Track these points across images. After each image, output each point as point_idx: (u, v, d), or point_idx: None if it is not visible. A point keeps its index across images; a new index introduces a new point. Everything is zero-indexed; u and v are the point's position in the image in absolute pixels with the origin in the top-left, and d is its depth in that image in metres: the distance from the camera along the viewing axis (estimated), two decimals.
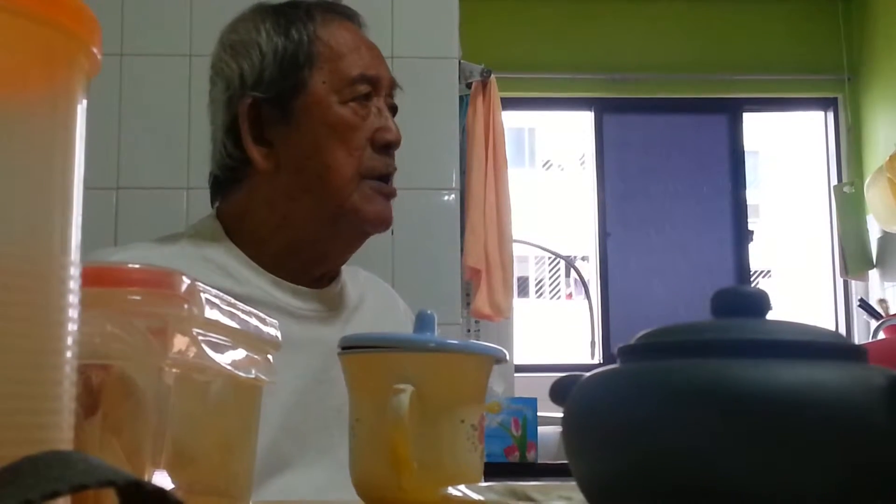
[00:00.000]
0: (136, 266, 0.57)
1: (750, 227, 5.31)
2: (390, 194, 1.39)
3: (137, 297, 0.55)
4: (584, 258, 5.79)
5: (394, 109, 1.43)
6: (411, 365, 0.88)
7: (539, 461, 2.95)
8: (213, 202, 1.44)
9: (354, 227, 1.38)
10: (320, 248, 1.39)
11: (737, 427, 0.55)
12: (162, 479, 0.55)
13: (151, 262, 0.83)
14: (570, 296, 11.61)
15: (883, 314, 4.29)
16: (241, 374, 0.66)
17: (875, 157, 4.93)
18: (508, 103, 3.98)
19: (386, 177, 1.39)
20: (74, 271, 0.41)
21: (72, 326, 0.40)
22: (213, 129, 1.41)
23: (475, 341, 0.97)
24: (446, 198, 2.58)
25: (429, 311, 0.94)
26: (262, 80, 1.35)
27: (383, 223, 1.39)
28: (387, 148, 1.38)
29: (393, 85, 1.44)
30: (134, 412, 0.55)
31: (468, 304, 3.28)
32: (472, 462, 0.91)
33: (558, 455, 3.09)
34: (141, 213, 2.49)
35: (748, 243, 5.27)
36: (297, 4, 1.41)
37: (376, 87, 1.39)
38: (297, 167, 1.35)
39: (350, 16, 1.45)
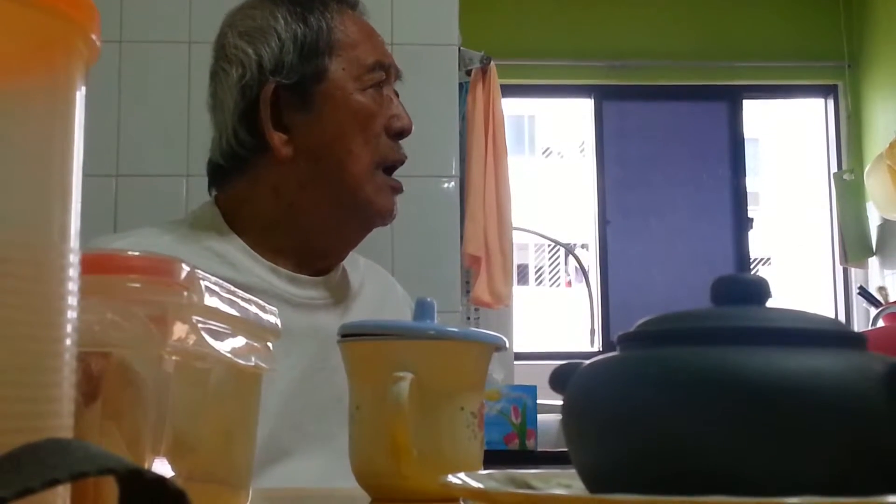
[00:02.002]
0: (136, 254, 0.57)
1: (750, 214, 5.32)
2: (398, 189, 1.41)
3: (137, 285, 0.55)
4: (583, 246, 5.79)
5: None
6: (411, 353, 0.88)
7: (539, 449, 2.95)
8: (210, 190, 1.44)
9: (363, 218, 1.40)
10: (324, 238, 1.39)
11: (736, 414, 0.55)
12: (162, 467, 0.55)
13: (150, 250, 0.83)
14: (569, 283, 11.62)
15: (882, 302, 4.30)
16: (240, 361, 0.66)
17: (875, 144, 4.93)
18: (508, 90, 3.98)
19: (394, 168, 1.40)
20: (74, 259, 0.41)
21: (71, 314, 0.40)
22: (219, 117, 1.39)
23: (475, 329, 0.97)
24: (446, 185, 2.59)
25: (428, 299, 0.94)
26: (282, 67, 1.35)
27: (389, 216, 1.40)
28: (400, 135, 1.40)
29: (399, 75, 1.46)
30: (134, 400, 0.55)
31: (468, 291, 3.28)
32: (471, 450, 0.91)
33: (558, 443, 3.10)
34: (140, 200, 2.49)
35: (748, 231, 5.27)
36: None
37: (388, 75, 1.41)
38: (315, 155, 1.35)
39: (354, 5, 1.45)
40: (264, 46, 1.36)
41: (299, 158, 1.35)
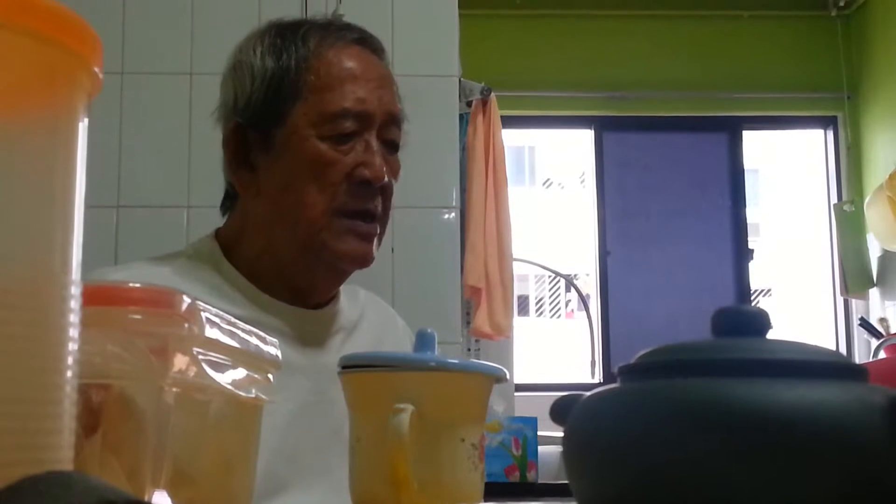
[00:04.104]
0: (137, 285, 0.57)
1: (750, 245, 5.32)
2: (367, 234, 1.33)
3: (138, 317, 0.55)
4: (586, 274, 5.79)
5: (392, 145, 1.37)
6: (412, 384, 0.88)
7: (539, 481, 2.93)
8: (222, 214, 1.44)
9: (328, 262, 1.34)
10: (303, 278, 1.36)
11: (738, 446, 0.54)
12: (162, 499, 0.55)
13: (146, 282, 0.83)
14: (570, 314, 11.61)
15: (884, 333, 4.29)
16: (241, 393, 0.65)
17: (875, 175, 4.94)
18: (508, 121, 3.99)
19: (365, 214, 1.33)
20: (75, 290, 0.41)
21: (72, 346, 0.40)
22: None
23: (475, 360, 0.95)
24: (446, 216, 2.59)
25: (429, 330, 0.94)
26: (248, 106, 1.33)
27: (356, 262, 1.34)
28: (366, 185, 1.31)
29: (392, 119, 1.36)
30: (134, 432, 0.55)
31: (468, 322, 3.28)
32: (472, 481, 0.91)
33: (559, 475, 3.08)
34: (141, 231, 2.49)
35: (748, 261, 5.27)
36: (300, 25, 1.37)
37: (366, 122, 1.32)
38: (273, 198, 1.33)
39: (361, 39, 1.38)
40: (239, 83, 1.35)
41: (264, 198, 1.34)
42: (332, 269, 1.36)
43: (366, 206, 1.32)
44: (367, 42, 1.39)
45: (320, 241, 1.31)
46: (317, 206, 1.30)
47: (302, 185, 1.31)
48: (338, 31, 1.37)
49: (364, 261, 1.34)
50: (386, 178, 1.32)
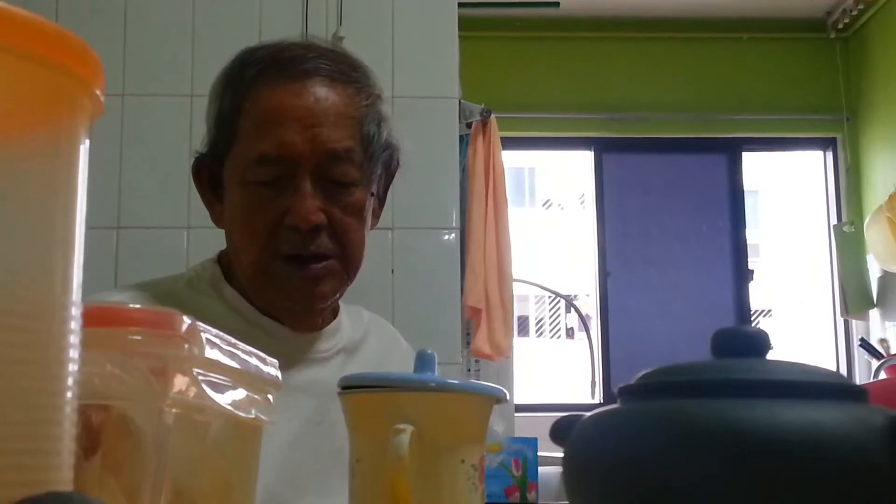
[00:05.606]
0: (137, 306, 0.57)
1: (750, 266, 5.32)
2: (311, 276, 1.27)
3: (138, 337, 0.55)
4: (586, 295, 5.79)
5: (339, 184, 1.27)
6: (411, 405, 0.88)
7: (540, 502, 2.93)
8: None
9: (279, 302, 1.32)
10: (272, 309, 1.34)
11: (738, 466, 0.54)
12: None
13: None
14: (570, 333, 11.59)
15: (884, 354, 4.29)
16: (241, 414, 0.65)
17: (874, 196, 4.94)
18: (508, 142, 4.00)
19: (306, 257, 1.26)
20: (75, 311, 0.41)
21: (72, 367, 0.40)
22: None
23: (475, 381, 0.94)
24: (446, 237, 2.59)
25: (429, 351, 0.94)
26: (208, 141, 1.33)
27: (300, 304, 1.31)
28: (295, 231, 1.24)
29: (334, 157, 1.26)
30: (134, 453, 0.55)
31: (468, 343, 3.28)
32: (472, 502, 0.91)
33: (559, 495, 3.08)
34: (141, 252, 2.49)
35: (748, 282, 5.27)
36: (250, 55, 1.31)
37: (293, 165, 1.24)
38: (227, 235, 1.33)
39: (314, 70, 1.28)
40: (207, 118, 1.34)
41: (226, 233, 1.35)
42: (285, 309, 1.34)
43: (299, 251, 1.26)
44: (320, 72, 1.28)
45: (262, 283, 1.29)
46: (251, 250, 1.27)
47: (237, 229, 1.30)
48: (284, 63, 1.28)
49: (310, 302, 1.30)
50: (324, 220, 1.25)
